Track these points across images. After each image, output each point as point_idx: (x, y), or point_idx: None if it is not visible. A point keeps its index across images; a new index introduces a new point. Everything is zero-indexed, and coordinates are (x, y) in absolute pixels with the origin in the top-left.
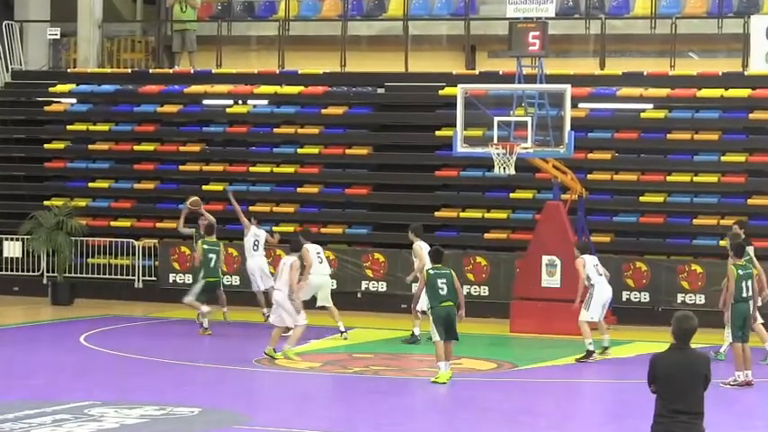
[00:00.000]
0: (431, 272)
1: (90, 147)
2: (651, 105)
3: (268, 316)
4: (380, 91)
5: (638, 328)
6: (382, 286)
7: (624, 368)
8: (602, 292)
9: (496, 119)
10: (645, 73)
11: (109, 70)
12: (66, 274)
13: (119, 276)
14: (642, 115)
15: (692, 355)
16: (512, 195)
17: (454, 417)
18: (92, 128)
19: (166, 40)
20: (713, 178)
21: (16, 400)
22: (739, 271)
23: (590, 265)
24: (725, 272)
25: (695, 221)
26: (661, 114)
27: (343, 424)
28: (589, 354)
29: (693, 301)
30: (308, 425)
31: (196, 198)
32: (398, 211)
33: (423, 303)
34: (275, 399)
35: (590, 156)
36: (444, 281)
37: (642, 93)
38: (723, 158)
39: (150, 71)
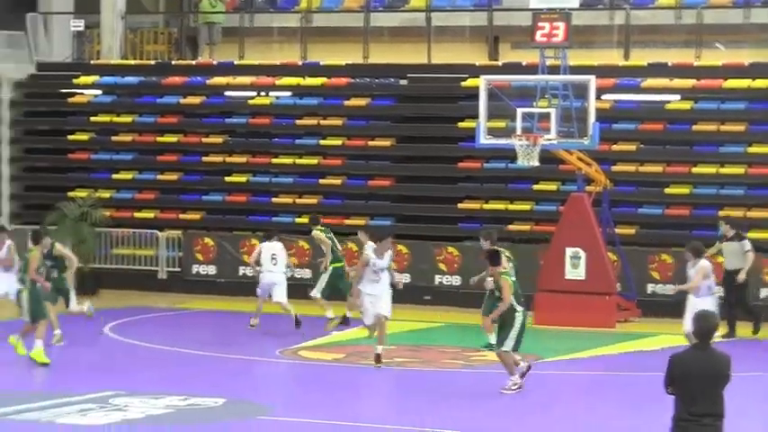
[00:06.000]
0: None
1: (114, 138)
2: (677, 96)
3: None
4: (403, 82)
5: (663, 320)
6: (405, 278)
7: (649, 361)
8: None
9: (520, 110)
10: (670, 64)
11: (132, 62)
12: (91, 265)
13: (143, 267)
14: (667, 106)
15: (712, 354)
16: (535, 187)
17: (476, 408)
18: (115, 119)
19: (189, 32)
20: (739, 170)
21: (43, 390)
22: None
23: None
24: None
25: (721, 213)
26: (687, 105)
27: (365, 415)
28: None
29: (720, 293)
30: (330, 416)
31: None
32: (421, 202)
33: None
34: (299, 390)
35: (614, 147)
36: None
37: (667, 84)
38: (749, 149)
39: (173, 63)
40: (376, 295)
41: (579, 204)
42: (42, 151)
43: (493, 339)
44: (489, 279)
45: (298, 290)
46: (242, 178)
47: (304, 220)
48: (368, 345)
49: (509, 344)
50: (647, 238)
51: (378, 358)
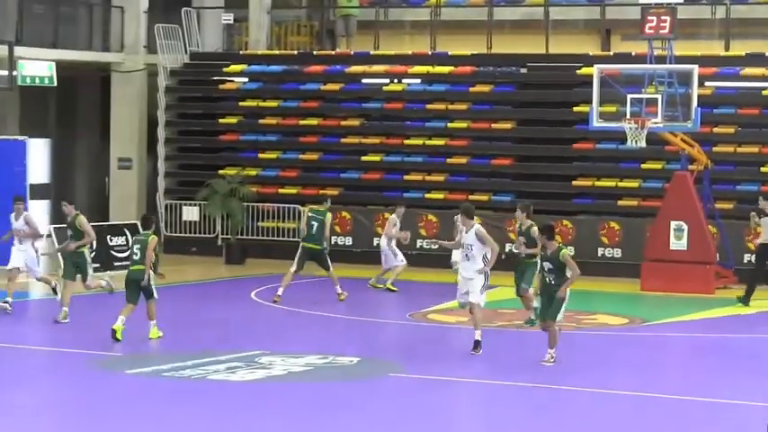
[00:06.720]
0: None
1: (260, 121)
2: None
3: None
4: (523, 71)
5: (759, 287)
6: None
7: (746, 324)
8: None
9: (629, 96)
10: (767, 54)
11: (277, 52)
12: (239, 237)
13: (286, 238)
14: (764, 92)
15: None
16: (643, 166)
17: (589, 369)
18: (262, 104)
19: (328, 25)
20: None
21: (194, 349)
22: None
23: None
24: None
25: None
26: None
27: (487, 374)
28: None
29: None
30: (457, 374)
31: None
32: (539, 180)
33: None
34: (428, 350)
35: (715, 130)
36: (139, 246)
37: (764, 72)
38: None
39: (314, 53)
40: (467, 278)
41: (683, 182)
42: (194, 133)
43: (533, 315)
44: (518, 240)
45: (424, 259)
46: (376, 157)
47: (433, 195)
48: (490, 309)
49: (561, 316)
50: (744, 212)
51: (476, 345)
